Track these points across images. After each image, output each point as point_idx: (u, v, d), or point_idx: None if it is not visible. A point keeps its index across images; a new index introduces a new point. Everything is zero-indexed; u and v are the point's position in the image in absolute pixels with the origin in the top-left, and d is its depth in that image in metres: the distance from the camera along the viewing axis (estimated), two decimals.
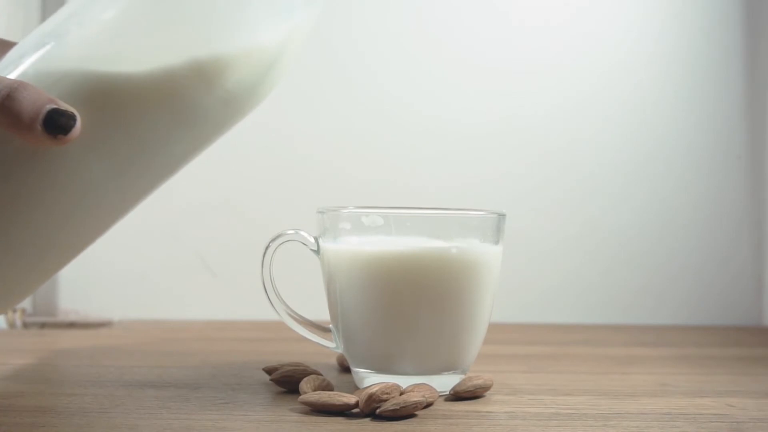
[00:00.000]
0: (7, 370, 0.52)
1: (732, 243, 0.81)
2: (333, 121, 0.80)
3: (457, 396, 0.45)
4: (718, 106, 0.81)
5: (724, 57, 0.81)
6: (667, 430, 0.39)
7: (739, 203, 0.81)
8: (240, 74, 0.40)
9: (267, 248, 0.48)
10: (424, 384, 0.44)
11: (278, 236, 0.48)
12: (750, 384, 0.51)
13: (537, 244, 0.80)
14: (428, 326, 0.45)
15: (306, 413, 0.41)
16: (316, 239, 0.48)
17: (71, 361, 0.57)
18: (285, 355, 0.56)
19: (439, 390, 0.45)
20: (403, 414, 0.41)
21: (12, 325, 0.74)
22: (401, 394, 0.42)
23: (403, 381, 0.44)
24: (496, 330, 0.54)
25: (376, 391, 0.41)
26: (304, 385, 0.44)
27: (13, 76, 0.38)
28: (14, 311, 0.74)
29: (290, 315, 0.49)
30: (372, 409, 0.41)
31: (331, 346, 0.49)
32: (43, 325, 0.75)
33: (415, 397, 0.41)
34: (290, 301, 0.49)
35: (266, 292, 0.48)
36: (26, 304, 0.77)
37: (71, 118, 0.36)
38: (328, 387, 0.44)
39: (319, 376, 0.45)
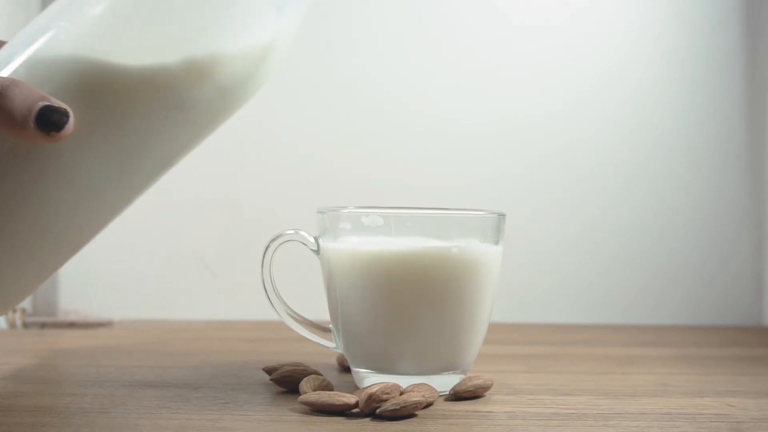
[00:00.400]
0: (7, 370, 0.52)
1: (732, 243, 0.81)
2: (333, 121, 0.80)
3: (457, 396, 0.45)
4: (718, 106, 0.81)
5: (724, 57, 0.81)
6: (667, 430, 0.39)
7: (739, 203, 0.81)
8: (232, 68, 0.40)
9: (267, 248, 0.48)
10: (424, 384, 0.44)
11: (278, 236, 0.48)
12: (750, 384, 0.51)
13: (537, 244, 0.80)
14: (428, 326, 0.45)
15: (306, 413, 0.41)
16: (316, 239, 0.48)
17: (71, 361, 0.57)
18: (285, 355, 0.56)
19: (439, 390, 0.45)
20: (403, 414, 0.41)
21: (12, 325, 0.74)
22: (401, 394, 0.42)
23: (403, 381, 0.44)
24: (496, 330, 0.54)
25: (376, 391, 0.41)
26: (304, 385, 0.44)
27: (4, 74, 0.37)
28: (14, 311, 0.74)
29: (290, 315, 0.49)
30: (372, 409, 0.41)
31: (331, 346, 0.49)
32: (43, 325, 0.75)
33: (415, 397, 0.41)
34: (290, 301, 0.49)
35: (266, 292, 0.48)
36: (26, 304, 0.77)
37: (64, 114, 0.36)
38: (328, 387, 0.44)
39: (319, 376, 0.45)
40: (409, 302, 0.44)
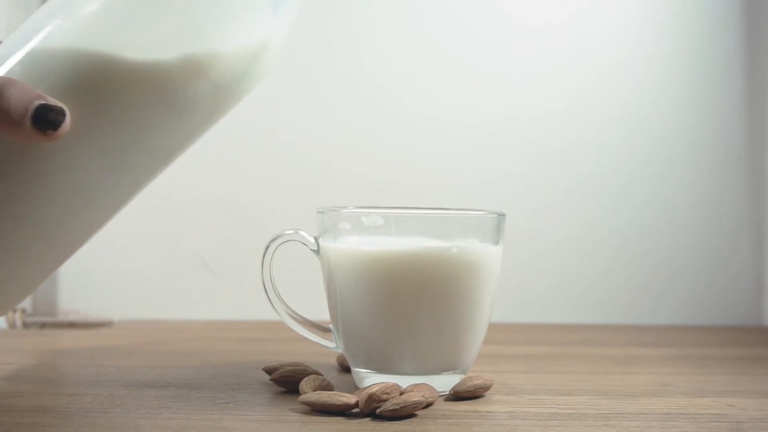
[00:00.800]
0: (7, 370, 0.52)
1: (732, 243, 0.81)
2: (333, 121, 0.80)
3: (457, 396, 0.45)
4: (718, 106, 0.81)
5: (724, 57, 0.81)
6: (667, 430, 0.39)
7: (739, 203, 0.81)
8: (228, 65, 0.41)
9: (267, 248, 0.48)
10: (424, 384, 0.44)
11: (278, 236, 0.48)
12: (750, 384, 0.51)
13: (537, 244, 0.80)
14: (428, 326, 0.45)
15: (306, 413, 0.41)
16: (316, 239, 0.48)
17: (71, 361, 0.57)
18: (285, 355, 0.56)
19: (439, 390, 0.45)
20: (403, 414, 0.41)
21: (12, 325, 0.74)
22: (401, 394, 0.42)
23: (403, 381, 0.44)
24: (496, 330, 0.54)
25: (376, 391, 0.41)
26: (304, 385, 0.44)
27: (0, 73, 0.37)
28: (14, 311, 0.74)
29: (290, 315, 0.49)
30: (372, 409, 0.41)
31: (331, 346, 0.49)
32: (43, 325, 0.75)
33: (415, 397, 0.41)
34: (290, 301, 0.49)
35: (266, 292, 0.48)
36: (26, 304, 0.77)
37: (60, 113, 0.36)
38: (328, 387, 0.44)
39: (319, 376, 0.45)
40: (409, 302, 0.44)
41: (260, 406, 0.43)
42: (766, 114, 0.81)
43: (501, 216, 0.47)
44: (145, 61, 0.38)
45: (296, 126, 0.80)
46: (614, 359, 0.59)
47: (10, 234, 0.38)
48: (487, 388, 0.46)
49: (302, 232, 0.48)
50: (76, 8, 0.39)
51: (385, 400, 0.41)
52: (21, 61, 0.38)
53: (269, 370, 0.48)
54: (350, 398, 0.41)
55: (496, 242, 0.47)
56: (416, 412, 0.41)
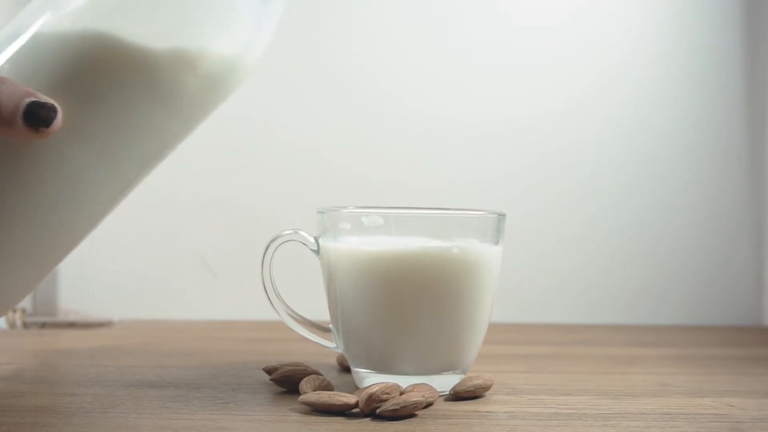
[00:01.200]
0: (7, 370, 0.52)
1: (732, 243, 0.81)
2: (333, 121, 0.80)
3: (457, 396, 0.45)
4: (718, 106, 0.81)
5: (724, 57, 0.81)
6: (667, 430, 0.39)
7: (739, 203, 0.81)
8: (215, 60, 0.41)
9: (267, 248, 0.48)
10: (424, 384, 0.44)
11: (278, 236, 0.48)
12: (750, 384, 0.51)
13: (537, 244, 0.80)
14: (428, 326, 0.45)
15: (306, 413, 0.41)
16: (316, 239, 0.48)
17: (71, 361, 0.57)
18: (285, 355, 0.56)
19: (439, 390, 0.45)
20: (403, 414, 0.41)
21: (12, 325, 0.74)
22: (401, 394, 0.42)
23: (403, 381, 0.44)
24: (496, 330, 0.54)
25: (376, 391, 0.41)
26: (304, 385, 0.44)
27: None
28: (14, 311, 0.74)
29: (290, 315, 0.49)
30: (372, 409, 0.41)
31: (331, 346, 0.49)
32: (43, 325, 0.75)
33: (415, 397, 0.41)
34: (290, 301, 0.49)
35: (266, 292, 0.48)
36: (26, 304, 0.77)
37: (52, 110, 0.36)
38: (328, 387, 0.44)
39: (319, 376, 0.45)
40: (409, 302, 0.44)
41: (260, 406, 0.43)
42: (766, 114, 0.81)
43: (501, 216, 0.47)
44: (137, 46, 0.38)
45: (296, 126, 0.80)
46: (614, 359, 0.59)
47: (5, 232, 0.38)
48: (487, 388, 0.46)
49: (302, 232, 0.48)
50: (64, 2, 0.39)
51: (385, 400, 0.41)
52: (10, 59, 0.38)
53: (269, 370, 0.48)
54: (350, 398, 0.41)
55: (496, 242, 0.47)
56: (416, 412, 0.41)
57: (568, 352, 0.62)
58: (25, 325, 0.74)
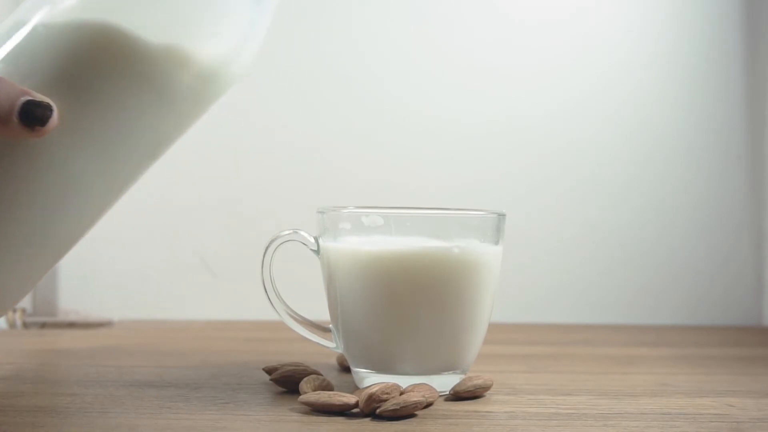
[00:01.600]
0: (7, 370, 0.52)
1: (732, 243, 0.81)
2: (333, 121, 0.80)
3: (457, 396, 0.45)
4: (718, 106, 0.81)
5: (724, 57, 0.81)
6: (667, 430, 0.39)
7: (739, 203, 0.81)
8: (208, 59, 0.41)
9: (267, 248, 0.48)
10: (424, 384, 0.44)
11: (278, 236, 0.48)
12: (750, 384, 0.51)
13: (537, 244, 0.80)
14: (428, 326, 0.45)
15: (306, 413, 0.41)
16: (316, 239, 0.48)
17: (71, 361, 0.57)
18: (285, 355, 0.56)
19: (439, 390, 0.45)
20: (403, 414, 0.41)
21: (12, 325, 0.74)
22: (401, 394, 0.42)
23: (403, 381, 0.44)
24: (496, 330, 0.54)
25: (376, 391, 0.41)
26: (304, 385, 0.44)
27: None
28: (14, 311, 0.74)
29: (290, 315, 0.49)
30: (372, 409, 0.41)
31: (331, 346, 0.49)
32: (43, 325, 0.75)
33: (415, 397, 0.41)
34: (290, 301, 0.49)
35: (266, 292, 0.48)
36: (26, 304, 0.77)
37: (47, 108, 0.36)
38: (328, 387, 0.44)
39: (319, 376, 0.45)
40: (409, 302, 0.44)
41: (260, 406, 0.43)
42: (766, 114, 0.81)
43: (501, 216, 0.47)
44: (133, 37, 0.38)
45: (296, 126, 0.80)
46: (614, 359, 0.59)
47: (4, 232, 0.38)
48: (487, 388, 0.46)
49: (302, 232, 0.48)
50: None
51: (385, 400, 0.41)
52: (4, 60, 0.38)
53: (269, 370, 0.48)
54: (350, 398, 0.41)
55: (496, 242, 0.47)
56: (416, 412, 0.41)
57: (568, 352, 0.62)
58: (25, 325, 0.74)
